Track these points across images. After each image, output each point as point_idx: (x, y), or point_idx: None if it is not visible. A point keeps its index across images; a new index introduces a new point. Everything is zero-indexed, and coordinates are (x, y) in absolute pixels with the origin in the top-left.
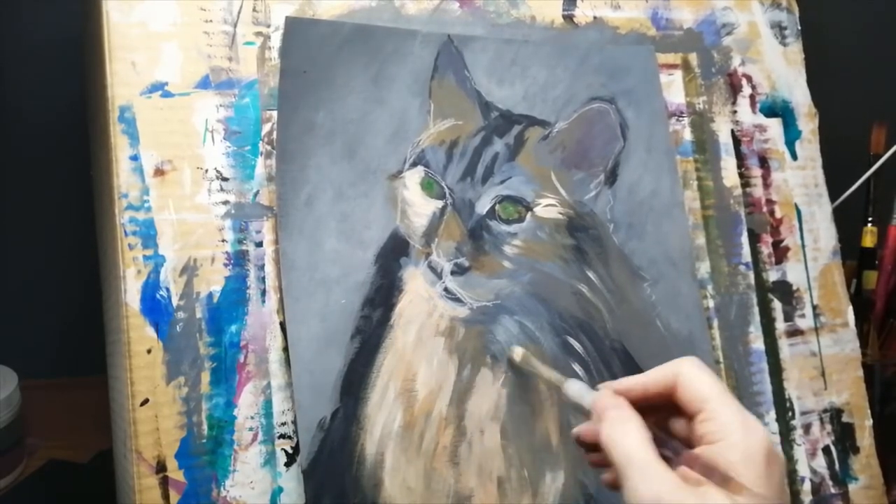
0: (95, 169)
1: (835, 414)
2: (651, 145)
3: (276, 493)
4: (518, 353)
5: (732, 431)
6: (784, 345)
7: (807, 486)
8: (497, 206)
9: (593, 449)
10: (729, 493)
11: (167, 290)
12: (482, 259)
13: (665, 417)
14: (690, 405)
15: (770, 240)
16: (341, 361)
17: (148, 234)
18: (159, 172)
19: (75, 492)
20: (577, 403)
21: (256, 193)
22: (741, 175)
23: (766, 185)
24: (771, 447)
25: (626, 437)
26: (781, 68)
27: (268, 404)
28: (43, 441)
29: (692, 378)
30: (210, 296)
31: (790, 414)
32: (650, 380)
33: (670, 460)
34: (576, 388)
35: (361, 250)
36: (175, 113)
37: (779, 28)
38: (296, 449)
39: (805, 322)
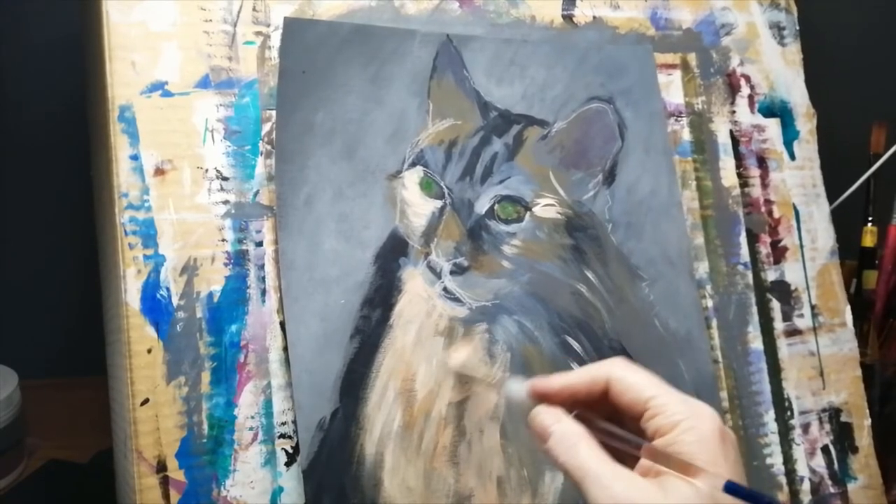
0: (95, 169)
1: (833, 413)
2: (649, 145)
3: (276, 493)
4: (454, 360)
5: (682, 419)
6: (782, 344)
7: (806, 486)
8: (496, 206)
9: None
10: (688, 479)
11: (167, 289)
12: (481, 259)
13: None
14: (634, 406)
15: (768, 240)
16: (341, 361)
17: (148, 234)
18: (159, 172)
19: (75, 492)
20: (515, 404)
21: (256, 193)
22: (739, 175)
23: (765, 186)
24: (722, 426)
25: (576, 451)
26: (780, 68)
27: (268, 404)
28: (43, 441)
29: (626, 380)
30: (210, 295)
31: (789, 413)
32: (577, 382)
33: (624, 456)
34: (514, 391)
35: (361, 250)
36: (175, 112)
37: (777, 28)
38: (296, 449)
39: (803, 322)
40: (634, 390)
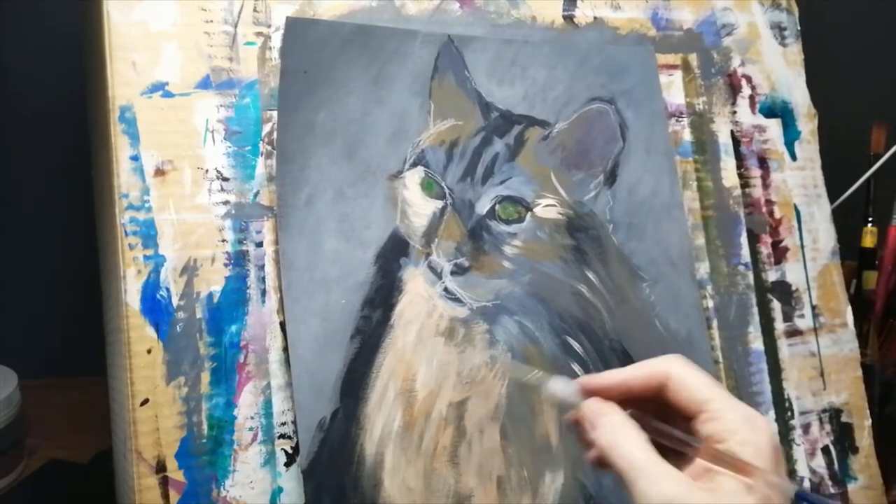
0: (95, 169)
1: (834, 414)
2: (650, 146)
3: (275, 493)
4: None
5: (739, 429)
6: (783, 345)
7: (806, 486)
8: (497, 207)
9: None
10: (743, 479)
11: (167, 290)
12: (482, 259)
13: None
14: (689, 406)
15: (769, 240)
16: (341, 362)
17: (148, 234)
18: (160, 172)
19: (75, 492)
20: (563, 403)
21: (257, 193)
22: (740, 175)
23: (766, 186)
24: (777, 441)
25: (626, 444)
26: (781, 69)
27: (268, 404)
28: (43, 441)
29: (686, 379)
30: (210, 296)
31: (789, 414)
32: (633, 378)
33: (674, 455)
34: (560, 388)
35: (361, 250)
36: (175, 113)
37: (778, 29)
38: (295, 449)
39: (804, 322)
40: (692, 390)
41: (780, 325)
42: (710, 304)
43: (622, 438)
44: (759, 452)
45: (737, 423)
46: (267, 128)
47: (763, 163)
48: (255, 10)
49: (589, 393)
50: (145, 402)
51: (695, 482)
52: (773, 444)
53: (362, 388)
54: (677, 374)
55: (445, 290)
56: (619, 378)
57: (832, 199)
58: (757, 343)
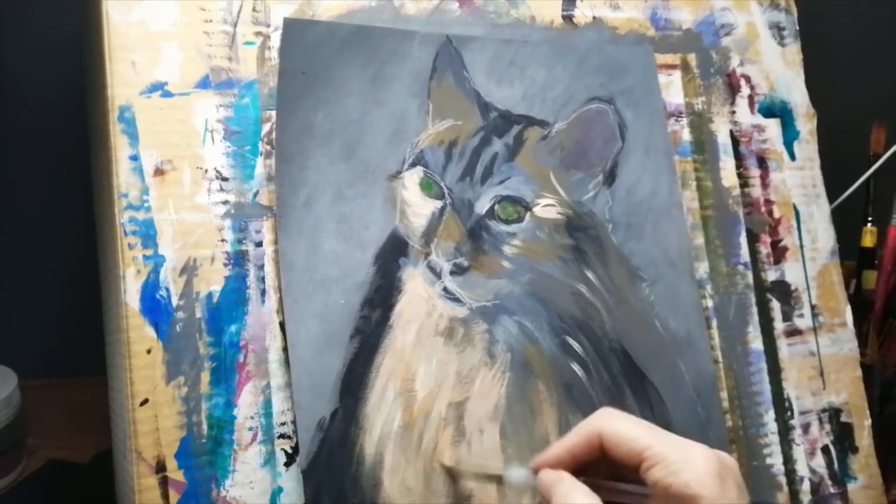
0: (95, 169)
1: (833, 414)
2: (650, 146)
3: (275, 493)
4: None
5: (680, 468)
6: (783, 345)
7: (806, 486)
8: (496, 207)
9: None
10: None
11: (167, 289)
12: (481, 259)
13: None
14: (630, 459)
15: (768, 240)
16: (340, 362)
17: (148, 234)
18: (159, 172)
19: (75, 492)
20: (522, 488)
21: (256, 193)
22: (740, 175)
23: (765, 186)
24: (716, 461)
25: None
26: (780, 69)
27: (267, 404)
28: (43, 441)
29: (618, 433)
30: (210, 296)
31: (789, 414)
32: (574, 444)
33: None
34: (514, 475)
35: (360, 251)
36: (175, 113)
37: (777, 29)
38: (295, 449)
39: (804, 322)
40: (628, 443)
41: (779, 325)
42: (710, 303)
43: (576, 499)
44: (703, 483)
45: (676, 463)
46: (266, 127)
47: (762, 162)
48: (254, 9)
49: (539, 470)
50: (145, 402)
51: None
52: (713, 470)
53: (362, 388)
54: (608, 430)
55: (445, 289)
56: (563, 448)
57: (831, 198)
58: (756, 343)
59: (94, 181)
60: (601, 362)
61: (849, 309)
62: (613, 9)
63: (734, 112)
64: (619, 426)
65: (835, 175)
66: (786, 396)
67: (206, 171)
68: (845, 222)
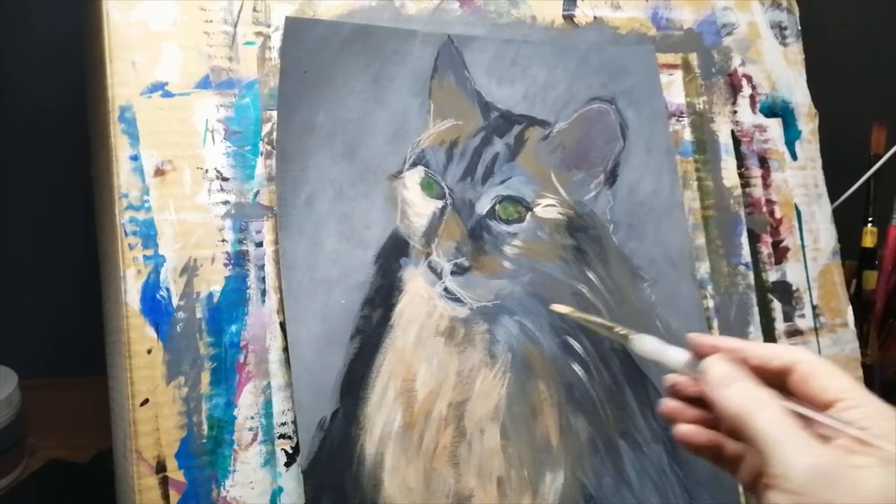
0: (95, 169)
1: None
2: (651, 145)
3: (275, 493)
4: (563, 309)
5: (883, 421)
6: (783, 345)
7: None
8: (497, 207)
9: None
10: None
11: (167, 290)
12: (482, 259)
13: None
14: (821, 395)
15: (770, 240)
16: (341, 362)
17: (148, 234)
18: (159, 172)
19: (75, 492)
20: (656, 362)
21: (256, 193)
22: (741, 175)
23: (766, 186)
24: None
25: (766, 410)
26: (781, 68)
27: (268, 404)
28: (43, 441)
29: (816, 367)
30: (210, 296)
31: None
32: (752, 351)
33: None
34: (654, 347)
35: (361, 250)
36: (175, 113)
37: (779, 28)
38: (296, 449)
39: (805, 322)
40: (826, 378)
41: (780, 325)
42: (711, 303)
43: (760, 404)
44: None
45: (879, 413)
46: (267, 127)
47: (763, 162)
48: (254, 9)
49: (704, 353)
50: (145, 402)
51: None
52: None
53: (362, 388)
54: (808, 361)
55: (445, 289)
56: (737, 346)
57: (832, 198)
58: None
59: (95, 181)
60: (602, 362)
61: (850, 309)
62: (614, 8)
63: (736, 112)
64: (819, 360)
65: (836, 175)
66: None
67: (207, 171)
68: (846, 222)
